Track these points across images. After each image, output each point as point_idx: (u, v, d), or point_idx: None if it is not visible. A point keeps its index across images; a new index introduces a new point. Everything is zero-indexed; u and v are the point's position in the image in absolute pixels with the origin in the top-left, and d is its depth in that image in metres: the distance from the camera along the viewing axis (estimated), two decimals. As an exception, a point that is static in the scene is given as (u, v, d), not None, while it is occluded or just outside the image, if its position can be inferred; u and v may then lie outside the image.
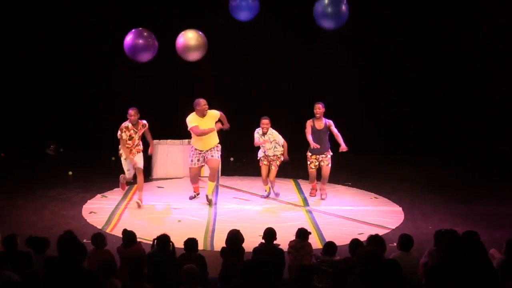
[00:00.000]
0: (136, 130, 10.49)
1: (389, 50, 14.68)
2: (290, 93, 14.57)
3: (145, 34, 10.55)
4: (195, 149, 10.73)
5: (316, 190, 11.21)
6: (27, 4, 14.26)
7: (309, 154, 10.86)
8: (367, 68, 14.79)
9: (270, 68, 14.63)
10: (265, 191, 11.24)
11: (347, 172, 12.69)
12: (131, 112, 10.42)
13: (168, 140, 12.70)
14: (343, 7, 10.18)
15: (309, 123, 10.73)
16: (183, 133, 11.65)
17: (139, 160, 10.55)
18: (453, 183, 12.53)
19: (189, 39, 10.63)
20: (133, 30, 10.60)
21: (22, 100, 14.59)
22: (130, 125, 10.44)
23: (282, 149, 10.90)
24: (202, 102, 10.49)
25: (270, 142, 10.79)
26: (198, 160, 10.74)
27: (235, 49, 14.44)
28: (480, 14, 14.35)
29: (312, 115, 10.75)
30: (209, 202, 10.59)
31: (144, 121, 10.65)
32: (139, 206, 10.39)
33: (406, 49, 14.66)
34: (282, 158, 10.92)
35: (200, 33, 10.77)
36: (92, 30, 14.27)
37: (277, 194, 11.10)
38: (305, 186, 11.79)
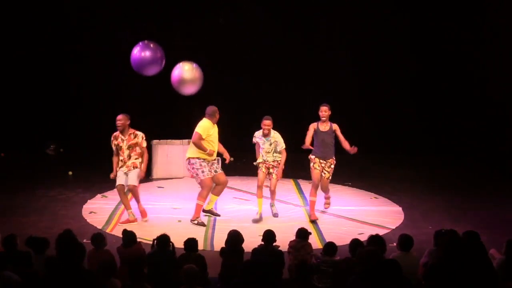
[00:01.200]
0: (124, 139, 9.57)
1: (389, 50, 14.69)
2: (290, 93, 14.58)
3: (151, 46, 9.85)
4: (203, 161, 9.63)
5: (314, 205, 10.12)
6: (27, 4, 14.27)
7: (312, 156, 10.01)
8: (367, 68, 14.80)
9: (270, 68, 14.64)
10: (257, 213, 9.87)
11: (347, 172, 12.68)
12: (118, 117, 9.56)
13: (168, 140, 12.70)
14: None
15: (312, 126, 9.98)
16: (183, 133, 11.65)
17: (132, 176, 9.56)
18: (453, 183, 12.54)
19: (185, 71, 9.94)
20: (139, 43, 9.90)
21: (22, 100, 14.60)
22: (117, 133, 9.64)
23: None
24: (218, 110, 9.77)
25: (270, 143, 9.90)
26: (214, 171, 9.74)
27: (235, 49, 14.45)
28: (480, 14, 14.36)
29: (313, 116, 10.54)
30: (215, 215, 9.97)
31: (139, 132, 9.65)
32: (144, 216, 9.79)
33: (406, 49, 14.68)
34: (283, 166, 9.95)
35: (195, 65, 10.09)
36: (92, 30, 14.29)
37: (275, 215, 10.06)
38: (305, 186, 11.79)
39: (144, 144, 9.72)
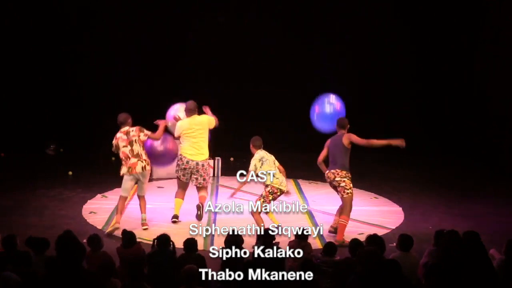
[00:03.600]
0: None
1: (389, 49, 14.69)
2: (289, 93, 14.56)
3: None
4: None
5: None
6: (27, 4, 14.27)
7: (349, 174, 8.97)
8: (367, 67, 14.79)
9: (270, 69, 14.62)
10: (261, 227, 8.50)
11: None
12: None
13: (168, 140, 12.67)
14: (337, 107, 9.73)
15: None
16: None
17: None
18: (453, 183, 12.54)
19: None
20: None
21: (22, 100, 14.59)
22: None
23: (280, 179, 9.04)
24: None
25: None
26: None
27: (235, 49, 14.44)
28: (480, 14, 14.37)
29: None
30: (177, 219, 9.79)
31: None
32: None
33: (406, 49, 14.68)
34: (279, 191, 9.07)
35: None
36: (92, 30, 14.29)
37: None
38: (305, 186, 11.80)
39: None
